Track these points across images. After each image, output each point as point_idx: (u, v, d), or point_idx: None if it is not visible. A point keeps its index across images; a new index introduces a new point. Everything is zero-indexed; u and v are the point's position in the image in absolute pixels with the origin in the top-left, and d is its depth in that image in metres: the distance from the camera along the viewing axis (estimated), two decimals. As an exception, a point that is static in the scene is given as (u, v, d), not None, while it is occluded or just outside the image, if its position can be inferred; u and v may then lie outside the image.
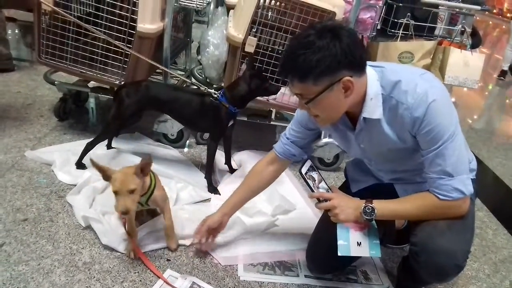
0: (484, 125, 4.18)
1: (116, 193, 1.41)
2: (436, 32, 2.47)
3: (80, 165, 2.04)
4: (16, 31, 3.94)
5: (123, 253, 1.59)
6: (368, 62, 1.24)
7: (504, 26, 12.08)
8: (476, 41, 2.67)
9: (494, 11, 12.73)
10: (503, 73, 6.28)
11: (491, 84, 5.96)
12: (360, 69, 1.19)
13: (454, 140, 1.19)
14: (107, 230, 1.63)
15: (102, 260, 1.55)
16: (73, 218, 1.74)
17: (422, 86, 1.19)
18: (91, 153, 2.06)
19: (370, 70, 1.25)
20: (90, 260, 1.54)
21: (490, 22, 12.32)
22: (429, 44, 2.32)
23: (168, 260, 1.60)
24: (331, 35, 1.12)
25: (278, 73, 1.31)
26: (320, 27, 1.15)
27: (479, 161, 1.45)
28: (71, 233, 1.66)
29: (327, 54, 1.12)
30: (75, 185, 1.89)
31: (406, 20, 2.30)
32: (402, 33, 2.32)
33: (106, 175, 1.44)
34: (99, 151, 2.14)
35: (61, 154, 2.09)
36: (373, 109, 1.25)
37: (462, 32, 2.39)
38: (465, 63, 2.31)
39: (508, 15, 12.55)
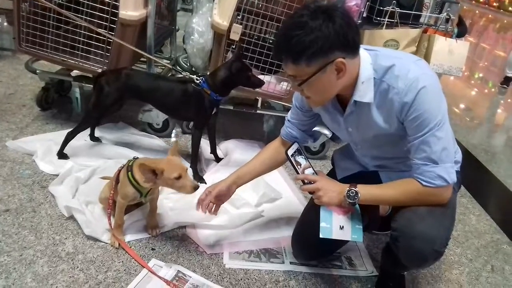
0: (471, 113, 4.23)
1: (179, 177, 1.43)
2: (422, 20, 2.47)
3: (61, 155, 2.01)
4: (0, 20, 3.85)
5: (106, 243, 1.58)
6: (363, 45, 1.24)
7: (490, 16, 12.18)
8: (462, 30, 2.68)
9: (481, 0, 12.81)
10: (506, 80, 5.34)
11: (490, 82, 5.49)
12: (353, 51, 1.19)
13: (441, 128, 1.20)
14: (90, 221, 1.61)
15: (86, 250, 1.54)
16: (56, 208, 1.72)
17: (414, 72, 1.19)
18: (71, 144, 2.03)
19: (364, 53, 1.25)
20: (73, 250, 1.53)
21: (477, 11, 12.41)
22: (414, 32, 2.32)
23: (153, 249, 1.60)
24: (324, 16, 1.12)
25: (273, 53, 1.30)
26: (314, 7, 1.15)
27: (462, 148, 1.47)
28: (53, 223, 1.64)
29: (319, 35, 1.12)
30: (58, 175, 1.86)
31: (392, 8, 2.29)
32: (387, 21, 2.31)
33: (154, 171, 1.44)
34: (79, 142, 2.11)
35: (42, 144, 2.06)
36: (364, 93, 1.26)
37: (447, 20, 2.39)
38: (450, 51, 2.32)
39: (495, 4, 12.64)
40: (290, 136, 1.58)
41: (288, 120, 1.59)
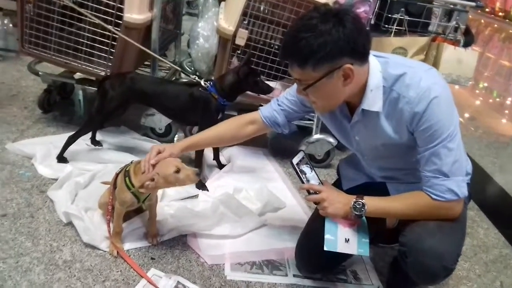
0: (476, 123, 4.18)
1: (178, 171, 1.40)
2: (430, 28, 2.44)
3: (61, 158, 1.97)
4: (5, 21, 3.83)
5: (105, 251, 1.53)
6: (372, 52, 1.20)
7: (496, 25, 12.15)
8: (469, 39, 2.65)
9: (487, 9, 12.79)
10: None
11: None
12: (362, 58, 1.15)
13: (453, 140, 1.16)
14: (89, 228, 1.57)
15: (84, 258, 1.50)
16: (54, 214, 1.68)
17: (426, 81, 1.15)
18: (70, 147, 2.00)
19: (374, 61, 1.21)
20: (71, 258, 1.49)
21: (482, 21, 12.39)
22: (422, 40, 2.28)
23: (152, 258, 1.55)
24: (335, 20, 1.09)
25: (280, 55, 1.26)
26: (325, 10, 1.11)
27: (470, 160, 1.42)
28: (51, 229, 1.60)
29: (329, 40, 1.08)
30: (57, 179, 1.82)
31: (400, 16, 2.27)
32: (396, 29, 2.29)
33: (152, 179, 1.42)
34: (79, 146, 2.07)
35: (42, 147, 2.02)
36: (373, 101, 1.22)
37: (456, 29, 2.36)
38: (459, 60, 2.28)
39: (500, 14, 12.62)
40: (273, 121, 1.50)
41: (278, 105, 1.50)
